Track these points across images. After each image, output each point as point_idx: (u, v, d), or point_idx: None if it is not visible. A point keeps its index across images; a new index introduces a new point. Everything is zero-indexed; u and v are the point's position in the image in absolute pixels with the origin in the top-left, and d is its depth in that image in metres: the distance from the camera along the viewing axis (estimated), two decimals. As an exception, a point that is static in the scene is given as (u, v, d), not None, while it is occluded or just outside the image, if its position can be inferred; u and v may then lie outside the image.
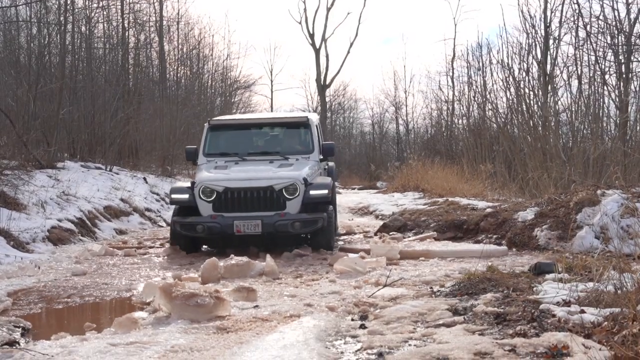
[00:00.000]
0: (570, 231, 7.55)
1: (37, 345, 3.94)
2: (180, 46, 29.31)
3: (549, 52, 16.91)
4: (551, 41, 16.95)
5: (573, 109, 15.07)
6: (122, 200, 13.59)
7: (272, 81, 45.59)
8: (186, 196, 8.41)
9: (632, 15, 14.49)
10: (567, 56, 16.59)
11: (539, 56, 17.01)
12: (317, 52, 40.61)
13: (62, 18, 17.92)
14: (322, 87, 41.65)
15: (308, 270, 6.98)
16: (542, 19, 17.10)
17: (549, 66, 16.62)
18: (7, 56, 17.86)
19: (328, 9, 39.90)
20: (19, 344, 4.01)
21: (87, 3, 20.29)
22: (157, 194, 16.25)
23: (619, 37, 14.57)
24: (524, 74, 17.22)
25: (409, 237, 9.89)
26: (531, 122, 15.52)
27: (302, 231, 8.36)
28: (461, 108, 26.42)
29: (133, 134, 20.72)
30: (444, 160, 21.64)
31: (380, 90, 77.22)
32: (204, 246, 9.08)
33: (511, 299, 4.59)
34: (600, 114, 14.63)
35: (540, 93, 16.18)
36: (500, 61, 18.61)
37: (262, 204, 8.21)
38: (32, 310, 5.28)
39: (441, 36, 73.24)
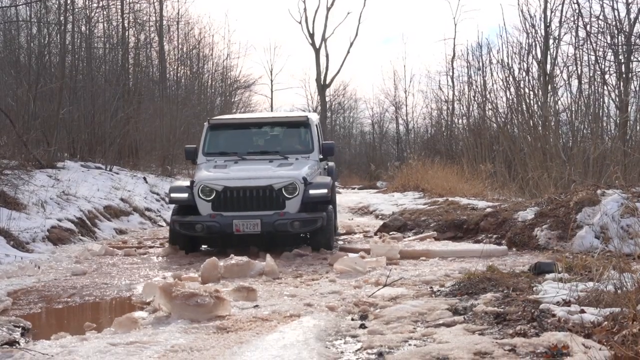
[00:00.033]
0: (570, 231, 7.55)
1: (37, 345, 3.94)
2: (180, 46, 29.35)
3: (549, 52, 16.92)
4: (551, 41, 16.97)
5: (573, 109, 15.08)
6: (122, 200, 13.59)
7: (272, 81, 45.64)
8: (185, 195, 8.40)
9: (632, 15, 14.52)
10: (567, 56, 16.64)
11: (539, 56, 17.02)
12: (317, 51, 40.61)
13: (62, 18, 17.92)
14: (322, 87, 41.64)
15: (308, 270, 6.98)
16: (542, 19, 17.11)
17: (549, 66, 16.62)
18: (7, 56, 17.86)
19: (328, 9, 39.91)
20: (18, 344, 4.02)
21: (87, 3, 20.32)
22: (157, 194, 16.25)
23: (619, 36, 14.58)
24: (524, 73, 17.24)
25: (409, 236, 9.89)
26: (531, 121, 15.52)
27: (302, 230, 8.35)
28: (461, 108, 26.45)
29: (133, 134, 20.72)
30: (444, 160, 21.64)
31: (380, 90, 77.31)
32: (203, 246, 9.07)
33: (511, 298, 4.59)
34: (600, 114, 14.64)
35: (540, 93, 16.18)
36: (500, 61, 18.63)
37: (261, 203, 8.20)
38: (32, 310, 5.28)
39: (441, 36, 73.35)
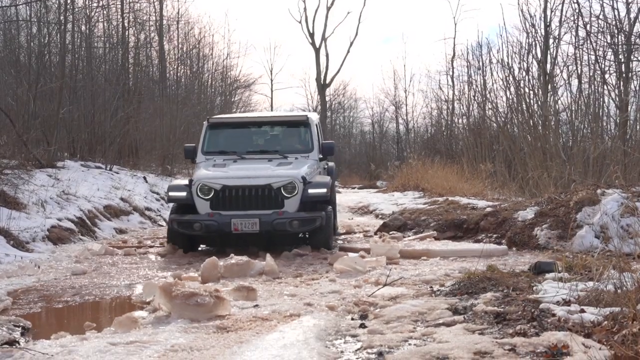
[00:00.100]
0: (570, 230, 7.55)
1: (37, 345, 3.94)
2: (180, 45, 29.34)
3: (549, 52, 16.92)
4: (551, 40, 16.97)
5: (573, 108, 15.08)
6: (122, 199, 13.59)
7: (272, 80, 45.65)
8: (184, 194, 8.38)
9: (632, 15, 14.52)
10: (567, 55, 16.63)
11: (539, 55, 17.02)
12: (317, 51, 40.61)
13: (62, 17, 17.91)
14: (322, 87, 41.64)
15: (308, 270, 6.98)
16: (542, 19, 17.12)
17: (549, 65, 16.62)
18: (7, 55, 17.86)
19: (328, 8, 39.93)
20: (18, 343, 4.01)
21: (87, 2, 20.31)
22: (157, 193, 16.25)
23: (619, 36, 14.58)
24: (524, 73, 17.25)
25: (409, 236, 9.88)
26: (531, 121, 15.52)
27: (301, 230, 8.35)
28: (461, 107, 26.45)
29: (133, 133, 20.72)
30: (444, 160, 21.65)
31: (380, 89, 77.26)
32: (202, 245, 9.06)
33: (511, 298, 4.59)
34: (600, 113, 14.65)
35: (540, 92, 16.18)
36: (500, 60, 18.64)
37: (260, 202, 8.18)
38: (32, 310, 5.28)
39: (441, 35, 73.19)
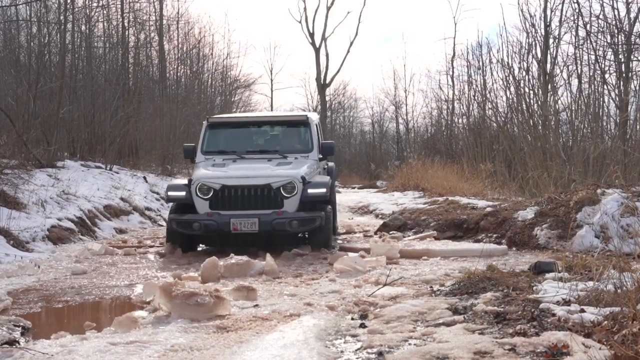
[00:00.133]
0: (570, 230, 7.55)
1: (37, 345, 3.94)
2: (180, 45, 29.32)
3: (549, 51, 16.92)
4: (551, 40, 16.97)
5: (573, 108, 15.09)
6: (122, 199, 13.59)
7: (272, 80, 45.64)
8: (183, 193, 8.36)
9: (632, 15, 14.52)
10: (567, 55, 16.64)
11: (539, 55, 17.02)
12: (317, 51, 40.61)
13: (62, 17, 17.91)
14: (322, 86, 41.65)
15: (308, 270, 6.98)
16: (542, 18, 17.12)
17: (549, 65, 16.62)
18: (7, 55, 17.86)
19: (328, 8, 39.92)
20: (18, 343, 4.01)
21: (87, 2, 20.30)
22: (157, 193, 16.25)
23: (619, 36, 14.58)
24: (524, 73, 17.25)
25: (409, 236, 9.89)
26: (531, 121, 15.53)
27: (300, 230, 8.33)
28: (461, 107, 26.45)
29: (133, 133, 20.71)
30: (444, 160, 21.66)
31: (380, 89, 77.22)
32: (202, 245, 9.05)
33: (511, 298, 4.59)
34: (600, 113, 14.65)
35: (540, 92, 16.19)
36: (500, 60, 18.65)
37: (259, 202, 8.17)
38: (32, 310, 5.28)
39: (441, 35, 73.13)
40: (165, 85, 27.03)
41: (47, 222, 9.87)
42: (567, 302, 4.15)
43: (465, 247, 8.28)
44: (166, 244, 8.73)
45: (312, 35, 40.35)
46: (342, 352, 3.73)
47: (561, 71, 16.38)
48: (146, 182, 16.94)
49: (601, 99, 14.72)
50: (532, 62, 17.20)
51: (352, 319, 4.54)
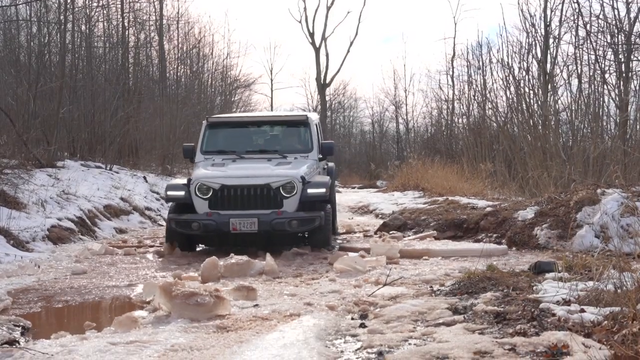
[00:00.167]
0: (570, 230, 7.55)
1: (37, 344, 3.94)
2: (180, 45, 29.31)
3: (549, 51, 16.92)
4: (551, 40, 16.97)
5: (573, 108, 15.08)
6: (122, 199, 13.59)
7: (272, 80, 45.62)
8: (182, 193, 8.35)
9: (632, 15, 14.51)
10: (567, 55, 16.64)
11: (539, 55, 17.02)
12: (317, 51, 40.60)
13: (62, 17, 17.91)
14: (322, 86, 41.64)
15: (308, 269, 6.98)
16: (542, 18, 17.11)
17: (549, 65, 16.62)
18: (7, 55, 17.86)
19: (328, 8, 39.91)
20: (18, 343, 4.01)
21: (87, 2, 20.30)
22: (157, 193, 16.24)
23: (619, 36, 14.58)
24: (524, 73, 17.24)
25: (409, 236, 9.89)
26: (531, 121, 15.53)
27: (299, 230, 8.32)
28: (461, 107, 26.45)
29: (133, 133, 20.71)
30: (444, 159, 21.65)
31: (380, 89, 77.22)
32: (201, 245, 9.05)
33: (511, 298, 4.59)
34: (600, 113, 14.65)
35: (540, 92, 16.19)
36: (500, 60, 18.64)
37: (258, 201, 8.16)
38: (32, 309, 5.28)
39: (441, 35, 73.05)
40: (165, 85, 27.03)
41: (47, 222, 9.87)
42: (567, 302, 4.15)
43: (465, 247, 8.28)
44: (165, 243, 8.72)
45: (312, 35, 40.38)
46: (342, 352, 3.73)
47: (561, 71, 16.40)
48: (146, 182, 16.94)
49: (601, 98, 14.73)
50: (532, 62, 17.22)
51: (352, 318, 4.54)
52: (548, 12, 16.98)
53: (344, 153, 45.05)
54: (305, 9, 41.85)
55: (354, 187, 31.54)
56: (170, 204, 8.85)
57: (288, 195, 8.20)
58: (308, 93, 48.24)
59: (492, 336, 3.76)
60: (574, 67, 15.60)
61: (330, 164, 10.51)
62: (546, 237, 8.11)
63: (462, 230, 9.73)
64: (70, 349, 3.78)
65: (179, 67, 29.09)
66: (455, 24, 36.37)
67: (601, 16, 14.62)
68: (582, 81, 15.11)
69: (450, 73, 30.57)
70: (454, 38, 37.68)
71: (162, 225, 13.24)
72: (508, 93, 18.04)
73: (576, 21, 15.62)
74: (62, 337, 4.12)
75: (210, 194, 8.20)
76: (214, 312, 4.55)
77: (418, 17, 69.44)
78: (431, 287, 5.63)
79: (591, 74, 14.92)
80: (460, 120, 26.52)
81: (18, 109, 14.97)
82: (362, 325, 4.28)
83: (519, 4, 19.27)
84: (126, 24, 22.63)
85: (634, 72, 14.35)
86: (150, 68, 26.52)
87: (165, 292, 4.64)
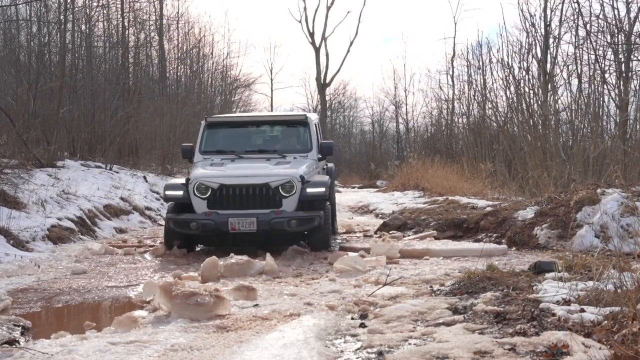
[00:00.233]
0: (570, 230, 7.55)
1: (36, 344, 3.94)
2: (180, 45, 29.30)
3: (549, 51, 16.92)
4: (551, 40, 16.97)
5: (573, 108, 15.09)
6: (122, 199, 13.59)
7: (272, 80, 45.61)
8: (180, 193, 8.32)
9: (632, 14, 14.51)
10: (567, 55, 16.64)
11: (539, 55, 17.02)
12: (317, 50, 40.61)
13: (62, 17, 17.90)
14: (322, 86, 41.65)
15: (308, 269, 6.98)
16: (542, 18, 17.11)
17: (549, 65, 16.62)
18: (7, 55, 17.87)
19: (328, 8, 39.91)
20: (18, 343, 4.02)
21: (87, 2, 20.29)
22: (157, 193, 16.22)
23: (619, 36, 14.58)
24: (524, 72, 17.24)
25: (409, 235, 9.89)
26: (531, 120, 15.53)
27: (299, 229, 8.29)
28: (461, 107, 26.44)
29: (133, 133, 20.71)
30: (444, 159, 21.65)
31: (380, 89, 77.17)
32: (200, 245, 9.04)
33: (511, 297, 4.59)
34: (600, 113, 14.65)
35: (540, 92, 16.19)
36: (500, 60, 18.65)
37: (257, 201, 8.14)
38: (31, 309, 5.28)
39: (441, 35, 73.04)
40: (165, 84, 27.02)
41: (47, 221, 9.88)
42: (567, 302, 4.15)
43: (465, 247, 8.28)
44: (164, 243, 8.70)
45: (312, 34, 40.38)
46: (342, 351, 3.73)
47: (561, 71, 16.40)
48: (146, 181, 16.93)
49: (601, 98, 14.74)
50: (532, 62, 17.22)
51: (352, 318, 4.54)
52: (548, 12, 17.00)
53: (344, 153, 45.06)
54: (305, 8, 41.91)
55: (354, 187, 31.53)
56: (168, 203, 8.84)
57: (287, 195, 8.19)
58: (308, 93, 48.32)
59: (492, 336, 3.76)
60: (574, 67, 15.63)
61: (330, 164, 10.50)
62: (546, 237, 8.11)
63: (462, 230, 9.73)
64: (70, 349, 3.78)
65: (179, 67, 29.10)
66: (455, 24, 36.45)
67: (601, 16, 14.63)
68: (582, 81, 15.14)
69: (450, 73, 30.60)
70: (454, 38, 37.79)
71: (162, 225, 13.22)
72: (508, 93, 18.07)
73: (576, 21, 15.64)
74: (62, 337, 4.12)
75: (209, 193, 8.19)
76: (214, 312, 4.55)
77: (418, 17, 69.51)
78: (431, 287, 5.63)
79: (591, 73, 14.94)
80: (460, 120, 26.55)
81: (18, 108, 14.97)
82: (362, 325, 4.28)
83: (519, 3, 19.26)
84: (126, 24, 22.64)
85: (634, 72, 14.36)
86: (150, 68, 26.51)
87: (165, 292, 4.64)
